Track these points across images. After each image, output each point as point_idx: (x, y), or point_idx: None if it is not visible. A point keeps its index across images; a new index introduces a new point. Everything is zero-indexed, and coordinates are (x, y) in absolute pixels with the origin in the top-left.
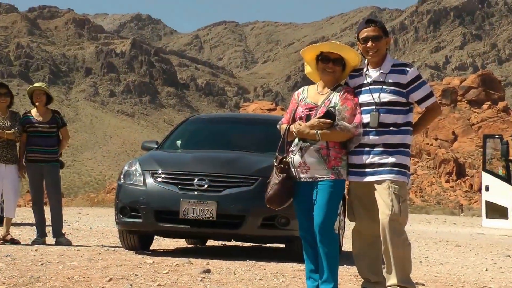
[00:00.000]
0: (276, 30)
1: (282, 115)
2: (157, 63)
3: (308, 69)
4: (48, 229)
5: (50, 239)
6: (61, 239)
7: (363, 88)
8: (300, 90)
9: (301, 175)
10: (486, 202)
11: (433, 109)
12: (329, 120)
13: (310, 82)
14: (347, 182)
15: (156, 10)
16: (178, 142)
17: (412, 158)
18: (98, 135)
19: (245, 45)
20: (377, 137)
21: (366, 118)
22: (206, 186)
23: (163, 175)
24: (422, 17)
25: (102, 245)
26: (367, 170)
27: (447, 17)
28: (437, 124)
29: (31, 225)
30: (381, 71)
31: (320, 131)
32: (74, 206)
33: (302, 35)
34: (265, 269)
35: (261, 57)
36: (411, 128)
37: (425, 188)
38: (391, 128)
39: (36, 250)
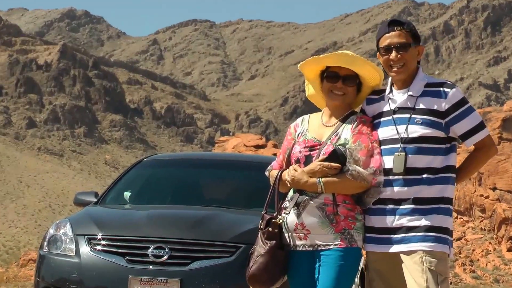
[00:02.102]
0: (268, 33)
1: (275, 154)
2: (97, 80)
3: (310, 91)
4: None
5: None
6: None
7: (384, 118)
8: (299, 120)
9: (298, 242)
10: None
11: (485, 147)
12: (336, 164)
13: (315, 109)
14: (363, 252)
15: (96, 5)
16: (127, 195)
17: (458, 217)
18: (10, 182)
19: (224, 54)
20: (404, 189)
21: (389, 161)
22: (166, 257)
23: (104, 242)
24: (476, 16)
25: None
26: (392, 236)
27: (511, 16)
28: (496, 168)
29: None
30: (409, 93)
31: (323, 179)
32: None
33: (306, 40)
34: None
35: (246, 71)
36: (453, 175)
37: (478, 260)
38: (424, 176)
39: None
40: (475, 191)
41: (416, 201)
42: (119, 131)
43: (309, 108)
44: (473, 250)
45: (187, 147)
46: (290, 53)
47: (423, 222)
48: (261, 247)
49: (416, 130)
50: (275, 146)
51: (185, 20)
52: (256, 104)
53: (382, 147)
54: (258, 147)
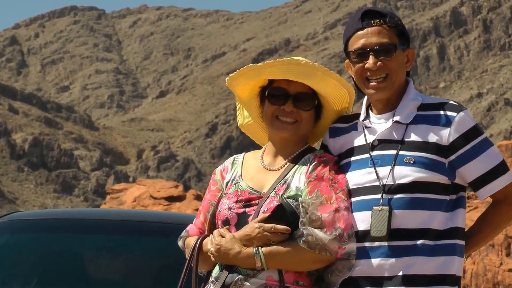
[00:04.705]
0: (185, 27)
1: (197, 210)
2: None
3: (244, 118)
4: None
5: None
6: None
7: (357, 157)
8: (228, 162)
9: None
10: None
11: (508, 199)
12: (283, 226)
13: (257, 145)
14: None
15: None
16: None
17: None
18: None
19: (119, 58)
20: (389, 262)
21: (365, 220)
22: None
23: None
24: (500, 1)
25: None
26: None
27: None
28: None
29: None
30: (395, 119)
31: (264, 249)
32: None
33: (243, 37)
34: None
35: (153, 85)
36: (461, 242)
37: None
38: (419, 242)
39: None
40: (502, 263)
41: (407, 280)
42: None
43: (250, 141)
44: None
45: (63, 200)
46: (219, 56)
47: None
48: None
49: (406, 174)
50: (197, 197)
51: (59, 8)
52: (168, 135)
53: (354, 199)
54: (172, 199)
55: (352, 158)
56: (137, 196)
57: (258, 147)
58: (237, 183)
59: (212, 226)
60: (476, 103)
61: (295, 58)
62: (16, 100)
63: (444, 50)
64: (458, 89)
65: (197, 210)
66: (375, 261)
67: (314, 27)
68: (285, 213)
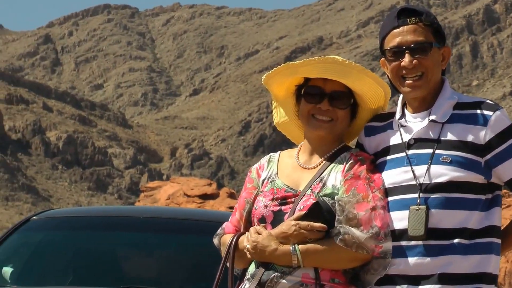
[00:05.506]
0: (219, 25)
1: (232, 208)
2: None
3: (280, 117)
4: None
5: None
6: None
7: (393, 155)
8: (264, 160)
9: None
10: None
11: None
12: (319, 224)
13: (290, 142)
14: None
15: None
16: (7, 271)
17: None
18: None
19: (153, 56)
20: (426, 260)
21: (402, 219)
22: None
23: None
24: None
25: None
26: None
27: None
28: None
29: None
30: (431, 118)
31: (301, 246)
32: None
33: (276, 35)
34: None
35: (186, 83)
36: (497, 241)
37: None
38: (455, 241)
39: None
40: None
41: (443, 279)
42: None
43: (283, 138)
44: None
45: (97, 197)
46: (252, 54)
47: None
48: None
49: (443, 173)
50: (231, 195)
51: (92, 6)
52: (202, 133)
53: (391, 198)
54: (205, 197)
55: (388, 157)
56: (171, 194)
57: (291, 145)
58: (273, 181)
59: (248, 224)
60: (509, 101)
61: (331, 56)
62: (50, 98)
63: (477, 48)
64: (491, 87)
65: (230, 208)
66: (411, 260)
67: (347, 25)
68: (321, 211)
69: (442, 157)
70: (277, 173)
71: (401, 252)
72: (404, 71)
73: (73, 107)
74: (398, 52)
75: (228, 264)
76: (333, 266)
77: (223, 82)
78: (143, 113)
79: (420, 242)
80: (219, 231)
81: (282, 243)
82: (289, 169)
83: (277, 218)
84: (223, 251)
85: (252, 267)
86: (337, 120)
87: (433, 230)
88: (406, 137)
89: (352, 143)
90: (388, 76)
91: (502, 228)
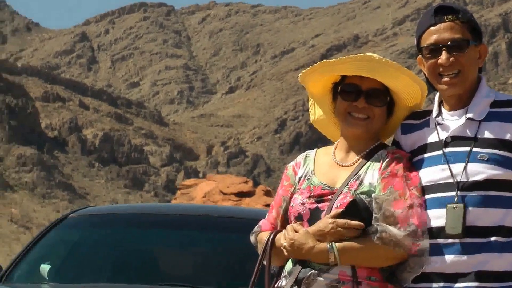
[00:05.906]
0: (254, 23)
1: (268, 206)
2: None
3: (316, 114)
4: None
5: None
6: None
7: (430, 154)
8: (300, 158)
9: None
10: None
11: None
12: (357, 222)
13: (326, 139)
14: None
15: None
16: (45, 268)
17: None
18: None
19: (189, 54)
20: (463, 258)
21: (439, 217)
22: None
23: None
24: None
25: None
26: None
27: None
28: None
29: None
30: (468, 115)
31: (338, 244)
32: None
33: (312, 33)
34: None
35: (222, 81)
36: None
37: None
38: (492, 239)
39: None
40: None
41: (480, 276)
42: (31, 172)
43: (319, 136)
44: None
45: (134, 195)
46: (288, 52)
47: None
48: None
49: (480, 171)
50: (267, 193)
51: (128, 4)
52: (238, 131)
53: (428, 196)
54: (241, 195)
55: (425, 155)
56: (207, 192)
57: (327, 142)
58: (309, 178)
59: (285, 221)
60: None
61: (368, 54)
62: (87, 96)
63: None
64: None
65: (266, 205)
66: (448, 257)
67: (383, 23)
68: (358, 209)
69: (479, 155)
70: (313, 170)
71: (438, 250)
72: (441, 69)
73: (109, 105)
74: (435, 49)
75: (265, 262)
76: (370, 264)
77: (259, 80)
78: (179, 111)
79: (457, 240)
80: (255, 228)
81: (319, 240)
82: (326, 167)
83: (314, 215)
84: (259, 249)
85: (289, 265)
86: (374, 118)
87: (470, 228)
88: (443, 135)
89: (388, 141)
90: (424, 74)
91: None
